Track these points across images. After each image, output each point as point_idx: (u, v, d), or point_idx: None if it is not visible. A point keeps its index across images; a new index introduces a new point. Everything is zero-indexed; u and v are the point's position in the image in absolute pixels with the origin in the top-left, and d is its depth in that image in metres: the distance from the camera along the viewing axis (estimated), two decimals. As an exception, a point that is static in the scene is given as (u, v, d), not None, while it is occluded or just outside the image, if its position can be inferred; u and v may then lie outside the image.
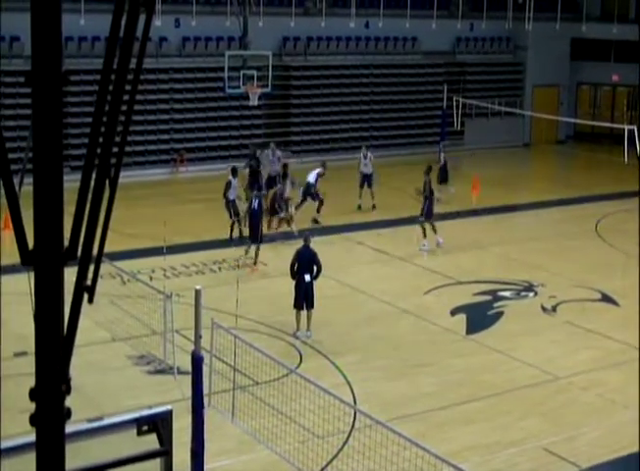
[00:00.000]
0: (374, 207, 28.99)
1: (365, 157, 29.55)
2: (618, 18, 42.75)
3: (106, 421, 7.02)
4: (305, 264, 18.41)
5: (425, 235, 24.95)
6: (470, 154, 38.53)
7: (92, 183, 4.03)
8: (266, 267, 22.85)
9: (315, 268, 18.42)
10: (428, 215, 24.99)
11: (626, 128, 32.45)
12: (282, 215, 25.26)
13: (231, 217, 24.95)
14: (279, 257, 23.03)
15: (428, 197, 24.99)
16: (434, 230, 24.97)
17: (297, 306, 18.40)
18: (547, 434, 14.65)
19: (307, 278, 18.32)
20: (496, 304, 20.91)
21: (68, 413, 4.08)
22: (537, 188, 33.86)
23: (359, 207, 29.15)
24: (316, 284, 18.51)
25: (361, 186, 29.15)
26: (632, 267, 23.40)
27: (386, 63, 39.32)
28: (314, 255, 18.52)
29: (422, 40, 40.18)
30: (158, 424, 6.94)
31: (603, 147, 41.64)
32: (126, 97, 4.10)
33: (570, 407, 15.77)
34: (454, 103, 37.83)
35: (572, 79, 44.16)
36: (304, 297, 18.33)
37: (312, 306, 18.41)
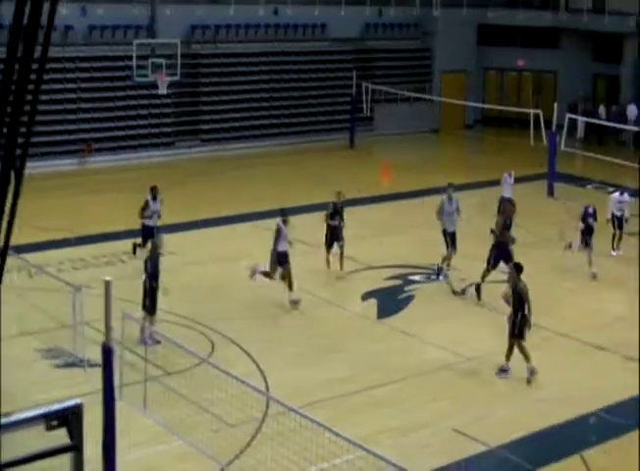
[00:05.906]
0: None
1: None
2: (524, 4, 43.51)
3: (14, 417, 6.95)
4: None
5: None
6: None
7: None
8: (177, 256, 22.75)
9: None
10: None
11: (532, 112, 33.08)
12: None
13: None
14: (190, 248, 22.96)
15: None
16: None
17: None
18: (457, 415, 14.94)
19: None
20: (406, 288, 21.16)
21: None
22: (446, 173, 34.14)
23: None
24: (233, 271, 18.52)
25: None
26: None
27: (295, 50, 39.32)
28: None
29: (331, 27, 40.29)
30: (68, 418, 6.89)
31: (510, 131, 42.27)
32: (31, 87, 4.07)
33: (480, 388, 16.09)
34: (364, 89, 38.09)
35: (479, 65, 44.73)
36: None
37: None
